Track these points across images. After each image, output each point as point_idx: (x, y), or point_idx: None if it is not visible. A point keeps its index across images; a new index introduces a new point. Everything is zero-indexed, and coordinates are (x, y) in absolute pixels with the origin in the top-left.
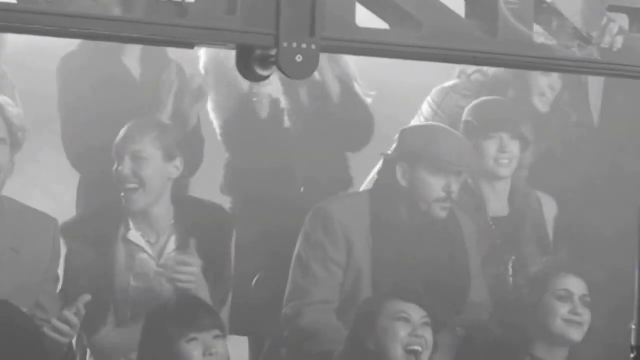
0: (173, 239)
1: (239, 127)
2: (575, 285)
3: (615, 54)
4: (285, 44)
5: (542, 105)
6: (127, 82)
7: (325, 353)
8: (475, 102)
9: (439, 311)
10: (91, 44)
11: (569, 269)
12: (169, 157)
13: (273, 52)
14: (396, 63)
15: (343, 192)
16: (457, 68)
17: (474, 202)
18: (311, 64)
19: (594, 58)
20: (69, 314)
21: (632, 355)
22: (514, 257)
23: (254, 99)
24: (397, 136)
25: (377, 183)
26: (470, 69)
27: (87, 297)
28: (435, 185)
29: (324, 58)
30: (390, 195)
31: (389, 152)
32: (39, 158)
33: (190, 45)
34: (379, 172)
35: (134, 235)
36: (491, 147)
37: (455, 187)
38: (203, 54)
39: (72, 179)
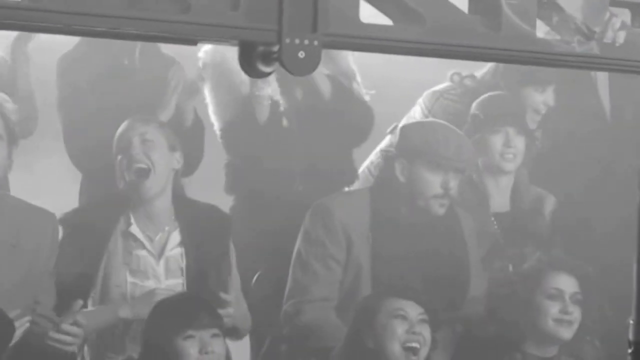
0: (173, 236)
1: (238, 129)
2: (566, 284)
3: (617, 49)
4: (287, 40)
5: (531, 122)
6: (127, 79)
7: (325, 350)
8: (483, 95)
9: (438, 308)
10: (90, 41)
11: (560, 267)
12: (172, 148)
13: (275, 48)
14: (394, 60)
15: (343, 189)
16: (451, 70)
17: (477, 197)
18: (313, 60)
19: (597, 53)
20: (66, 326)
21: (629, 350)
22: (514, 253)
23: (254, 101)
24: (388, 131)
25: (377, 180)
26: (464, 72)
27: (80, 303)
28: (433, 182)
29: None
30: (389, 192)
31: (392, 149)
32: (41, 155)
33: (193, 42)
34: (380, 169)
35: (135, 229)
36: (497, 141)
37: (453, 184)
38: (202, 55)
39: (74, 176)
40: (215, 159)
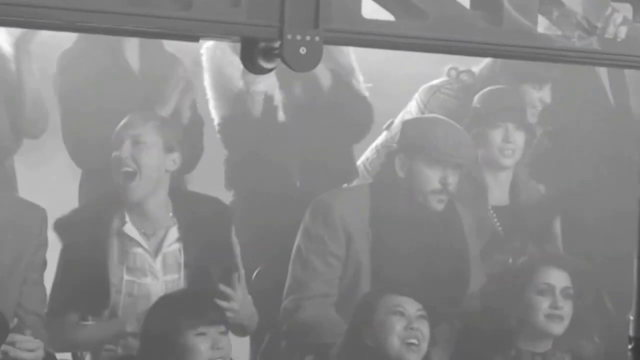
0: (171, 233)
1: (234, 124)
2: (557, 278)
3: (619, 44)
4: (289, 36)
5: (530, 117)
6: (127, 76)
7: (325, 346)
8: (485, 89)
9: (437, 304)
10: (90, 37)
11: (552, 261)
12: (169, 149)
13: (277, 44)
14: (391, 54)
15: (343, 186)
16: (448, 65)
17: (475, 191)
18: (315, 56)
19: (598, 48)
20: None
21: (630, 346)
22: (512, 247)
23: (248, 96)
24: (384, 127)
25: (377, 175)
26: (461, 67)
27: (15, 321)
28: (432, 177)
29: None
30: (389, 188)
31: (393, 144)
32: (41, 153)
33: (195, 38)
34: (380, 165)
35: (129, 228)
36: (497, 136)
37: (452, 179)
38: (203, 50)
39: (74, 173)
40: (215, 154)
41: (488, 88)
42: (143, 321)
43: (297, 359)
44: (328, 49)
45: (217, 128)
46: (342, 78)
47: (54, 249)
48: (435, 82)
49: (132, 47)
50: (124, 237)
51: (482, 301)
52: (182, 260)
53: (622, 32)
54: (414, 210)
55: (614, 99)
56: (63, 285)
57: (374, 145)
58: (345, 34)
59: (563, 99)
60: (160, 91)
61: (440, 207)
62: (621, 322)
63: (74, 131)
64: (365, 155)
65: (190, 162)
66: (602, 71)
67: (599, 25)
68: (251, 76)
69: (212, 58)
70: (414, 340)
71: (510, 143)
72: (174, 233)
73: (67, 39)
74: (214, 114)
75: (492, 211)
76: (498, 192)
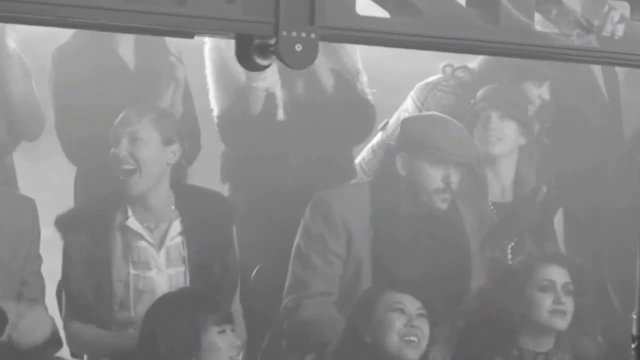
0: (174, 226)
1: (235, 118)
2: (557, 275)
3: (616, 42)
4: (284, 33)
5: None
6: (122, 72)
7: (325, 345)
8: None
9: (438, 302)
10: (85, 33)
11: (551, 259)
12: (167, 141)
13: (272, 41)
14: (390, 51)
15: (344, 183)
16: (444, 61)
17: (476, 188)
18: (311, 53)
19: (595, 46)
20: None
21: (633, 345)
22: (512, 243)
23: (252, 92)
24: (380, 127)
25: (378, 173)
26: (457, 63)
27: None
28: (434, 176)
29: (320, 51)
30: (390, 186)
31: (392, 142)
32: (37, 150)
33: (190, 35)
34: (381, 162)
35: (133, 222)
36: (480, 127)
37: (454, 178)
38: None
39: (70, 170)
40: (214, 148)
41: (488, 87)
42: (149, 319)
43: (298, 358)
44: (333, 49)
45: (215, 120)
46: (346, 79)
47: (54, 246)
48: (431, 79)
49: (127, 43)
50: (127, 231)
51: (483, 300)
52: (185, 254)
53: (620, 30)
54: (416, 209)
55: (607, 93)
56: (71, 282)
57: (369, 145)
58: (341, 31)
59: (561, 95)
60: (155, 87)
61: (444, 206)
62: (625, 321)
63: (69, 128)
64: (362, 155)
65: (189, 154)
66: (596, 68)
67: (596, 23)
68: (254, 72)
69: (215, 48)
70: (413, 338)
71: (491, 130)
72: (176, 226)
73: (63, 34)
74: (214, 104)
75: (492, 207)
76: (500, 188)
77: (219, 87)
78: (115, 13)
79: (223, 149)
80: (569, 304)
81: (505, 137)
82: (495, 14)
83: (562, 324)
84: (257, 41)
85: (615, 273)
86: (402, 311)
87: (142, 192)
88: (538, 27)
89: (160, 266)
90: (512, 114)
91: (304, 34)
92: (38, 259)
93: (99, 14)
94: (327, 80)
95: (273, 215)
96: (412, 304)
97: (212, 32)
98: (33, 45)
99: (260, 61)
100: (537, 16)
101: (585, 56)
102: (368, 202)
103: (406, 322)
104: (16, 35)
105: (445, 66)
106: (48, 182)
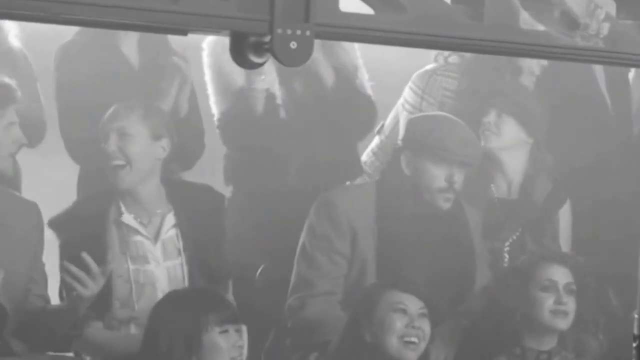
0: (167, 219)
1: (236, 120)
2: (559, 274)
3: (601, 41)
4: (279, 31)
5: (529, 83)
6: (126, 70)
7: (329, 344)
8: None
9: (441, 302)
10: (88, 31)
11: (552, 258)
12: (156, 137)
13: (267, 38)
14: (389, 48)
15: (349, 183)
16: (434, 52)
17: (481, 188)
18: (306, 51)
19: (581, 45)
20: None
21: (634, 344)
22: (514, 237)
23: (252, 93)
24: (376, 131)
25: (383, 173)
26: (445, 52)
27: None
28: (438, 175)
29: (319, 48)
30: (395, 185)
31: (399, 142)
32: (39, 150)
33: (184, 32)
34: (387, 162)
35: (127, 217)
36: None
37: (458, 177)
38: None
39: (73, 169)
40: (216, 150)
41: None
42: (153, 319)
43: (302, 357)
44: (332, 46)
45: (216, 124)
46: (346, 76)
47: (52, 246)
48: (427, 67)
49: (130, 41)
50: (122, 226)
51: (486, 299)
52: (180, 246)
53: (605, 28)
54: (420, 208)
55: (609, 91)
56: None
57: (369, 149)
58: (336, 28)
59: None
60: (159, 85)
61: (447, 205)
62: (626, 320)
63: (72, 126)
64: (362, 159)
65: (190, 157)
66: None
67: (582, 21)
68: (253, 74)
69: (213, 53)
70: (414, 339)
71: (486, 125)
72: (170, 219)
73: (68, 31)
74: (214, 109)
75: (498, 203)
76: (506, 185)
77: (219, 91)
78: (108, 10)
79: (225, 151)
80: (570, 304)
81: (507, 133)
82: (479, 12)
83: (563, 324)
84: (252, 39)
85: (616, 273)
86: (403, 311)
87: (130, 186)
88: (523, 25)
89: (157, 259)
90: (514, 112)
91: (299, 32)
92: (42, 262)
93: (92, 11)
94: (328, 78)
95: (278, 215)
96: (414, 304)
97: (207, 29)
98: (38, 43)
99: (255, 59)
100: (523, 13)
101: (569, 54)
102: (373, 201)
103: (407, 323)
104: (22, 34)
105: (437, 55)
106: (52, 180)
